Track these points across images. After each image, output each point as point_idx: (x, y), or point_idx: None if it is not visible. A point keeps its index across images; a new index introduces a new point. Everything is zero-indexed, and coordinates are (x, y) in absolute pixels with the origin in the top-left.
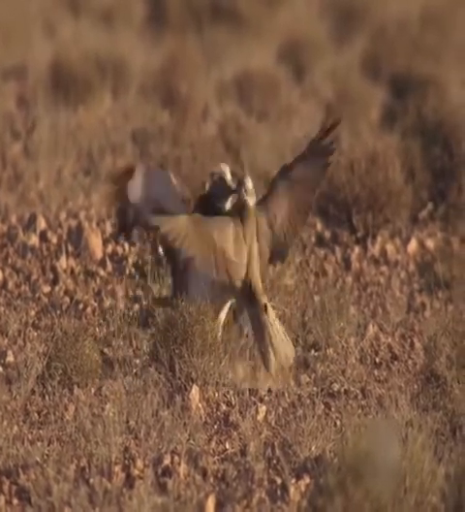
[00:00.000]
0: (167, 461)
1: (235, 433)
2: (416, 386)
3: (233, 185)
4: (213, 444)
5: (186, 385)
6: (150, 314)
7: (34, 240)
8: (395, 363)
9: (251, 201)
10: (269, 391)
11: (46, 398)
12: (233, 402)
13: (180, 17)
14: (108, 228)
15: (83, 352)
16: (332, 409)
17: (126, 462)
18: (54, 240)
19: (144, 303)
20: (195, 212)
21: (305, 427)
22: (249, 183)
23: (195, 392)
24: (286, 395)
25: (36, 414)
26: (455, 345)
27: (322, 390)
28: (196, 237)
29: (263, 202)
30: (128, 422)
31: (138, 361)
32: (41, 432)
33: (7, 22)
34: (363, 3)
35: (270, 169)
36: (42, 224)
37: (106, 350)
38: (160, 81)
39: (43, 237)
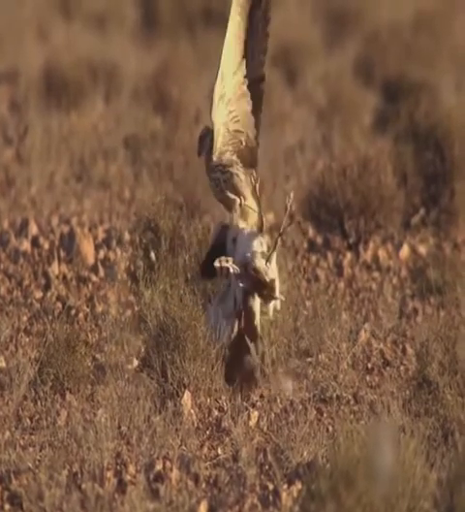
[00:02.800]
0: (159, 466)
1: (227, 439)
2: (408, 392)
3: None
4: (205, 450)
5: (178, 391)
6: (142, 320)
7: (26, 245)
8: (387, 368)
9: None
10: (261, 396)
11: (38, 403)
12: (225, 408)
13: (172, 22)
14: (100, 233)
15: (75, 358)
16: (324, 415)
17: (118, 467)
18: (46, 245)
19: (136, 308)
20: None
21: (297, 432)
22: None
23: (187, 397)
24: (278, 400)
25: (28, 420)
26: (447, 351)
27: (314, 395)
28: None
29: None
30: (120, 427)
31: (130, 366)
32: (33, 437)
33: None
34: (356, 8)
35: (262, 174)
36: (34, 229)
37: (98, 356)
38: (152, 86)
39: (35, 242)
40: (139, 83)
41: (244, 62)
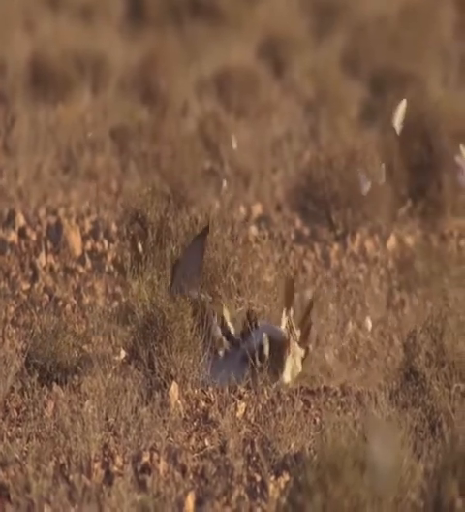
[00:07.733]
0: (146, 458)
1: (215, 430)
2: (395, 383)
3: None
4: (192, 441)
5: (165, 382)
6: (130, 311)
7: (13, 236)
8: (374, 360)
9: None
10: (248, 388)
11: (26, 394)
12: (213, 399)
13: (159, 14)
14: (87, 225)
15: (63, 349)
16: (312, 406)
17: (105, 458)
18: (33, 236)
19: (123, 299)
20: None
21: (284, 424)
22: None
23: (174, 389)
24: (265, 392)
25: (15, 411)
26: (434, 342)
27: (301, 387)
28: None
29: None
30: (107, 419)
31: (117, 358)
32: (20, 428)
33: None
34: (343, 0)
35: (249, 165)
36: (21, 221)
37: (85, 347)
38: (139, 78)
39: (22, 233)
40: (126, 75)
41: None
